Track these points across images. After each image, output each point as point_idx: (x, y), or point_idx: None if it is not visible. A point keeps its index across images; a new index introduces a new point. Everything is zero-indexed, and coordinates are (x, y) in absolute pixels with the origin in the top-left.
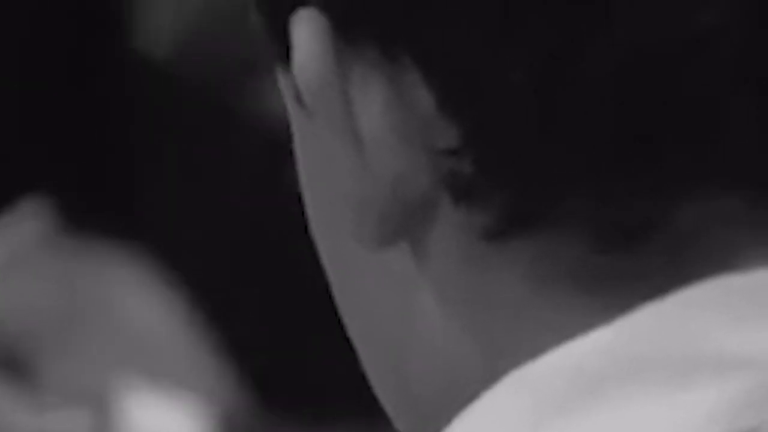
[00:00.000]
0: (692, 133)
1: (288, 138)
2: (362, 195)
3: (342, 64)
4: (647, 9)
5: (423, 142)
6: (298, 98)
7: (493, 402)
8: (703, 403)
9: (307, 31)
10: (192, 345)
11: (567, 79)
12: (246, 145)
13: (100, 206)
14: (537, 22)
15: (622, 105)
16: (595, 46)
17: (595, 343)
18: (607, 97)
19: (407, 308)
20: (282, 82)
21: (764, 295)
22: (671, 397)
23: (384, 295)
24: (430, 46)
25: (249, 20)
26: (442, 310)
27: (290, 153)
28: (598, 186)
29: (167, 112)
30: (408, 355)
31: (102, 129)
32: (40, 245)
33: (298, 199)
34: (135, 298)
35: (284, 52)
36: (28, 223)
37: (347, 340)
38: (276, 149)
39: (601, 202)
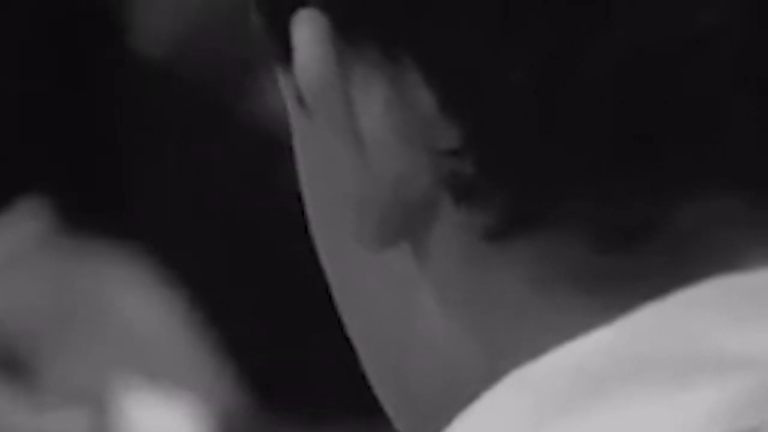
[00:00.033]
0: (692, 133)
1: (285, 137)
2: (363, 195)
3: (343, 64)
4: (647, 9)
5: (424, 142)
6: (299, 99)
7: (493, 402)
8: (704, 403)
9: (307, 32)
10: (190, 344)
11: (567, 79)
12: (244, 144)
13: (98, 206)
14: (537, 22)
15: (622, 105)
16: (595, 46)
17: (596, 343)
18: (607, 97)
19: (408, 308)
20: (282, 82)
21: (764, 295)
22: (672, 397)
23: (384, 295)
24: (431, 47)
25: (246, 19)
26: (443, 311)
27: (287, 152)
28: (598, 186)
29: (165, 112)
30: (408, 355)
31: (100, 129)
32: (38, 245)
33: (296, 198)
34: (133, 297)
35: (285, 53)
36: (26, 223)
37: (347, 340)
38: (273, 148)
39: (601, 202)
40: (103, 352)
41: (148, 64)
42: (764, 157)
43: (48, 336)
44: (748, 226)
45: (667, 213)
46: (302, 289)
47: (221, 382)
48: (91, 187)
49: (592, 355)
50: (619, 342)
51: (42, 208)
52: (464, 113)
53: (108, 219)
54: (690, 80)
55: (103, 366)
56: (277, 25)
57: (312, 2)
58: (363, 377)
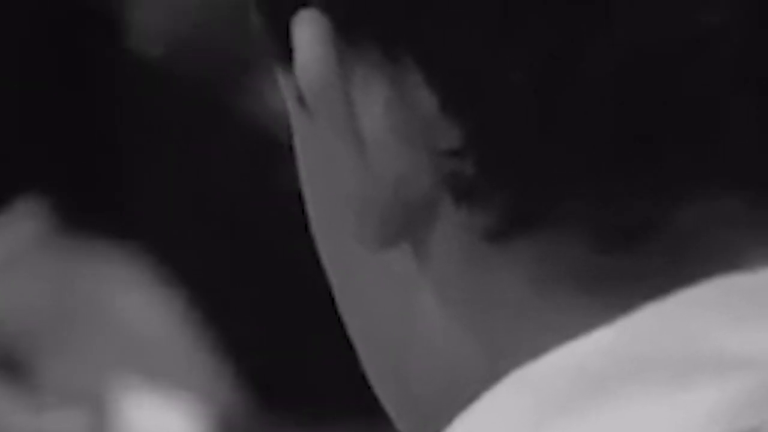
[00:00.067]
0: (692, 133)
1: (284, 136)
2: (364, 196)
3: (344, 65)
4: (647, 9)
5: (425, 142)
6: (300, 99)
7: (494, 402)
8: (704, 402)
9: (308, 33)
10: (190, 345)
11: (567, 79)
12: (243, 143)
13: (97, 206)
14: (537, 22)
15: (622, 105)
16: (595, 46)
17: (596, 343)
18: (607, 97)
19: (408, 309)
20: (283, 82)
21: (765, 295)
22: (672, 397)
23: (385, 296)
24: (431, 47)
25: (245, 19)
26: (443, 311)
27: (286, 151)
28: (598, 186)
29: (163, 111)
30: (408, 355)
31: (98, 128)
32: (37, 245)
33: (295, 197)
34: (133, 297)
35: (285, 53)
36: (25, 223)
37: (346, 340)
38: (272, 148)
39: (602, 203)
40: (101, 352)
41: (147, 64)
42: (764, 157)
43: (47, 336)
44: (748, 226)
45: (667, 213)
46: (302, 288)
47: (220, 382)
48: (90, 186)
49: (592, 355)
50: (620, 342)
51: (41, 208)
52: (464, 113)
53: (107, 219)
54: (690, 80)
55: (102, 366)
56: (278, 25)
57: (313, 3)
58: (363, 377)
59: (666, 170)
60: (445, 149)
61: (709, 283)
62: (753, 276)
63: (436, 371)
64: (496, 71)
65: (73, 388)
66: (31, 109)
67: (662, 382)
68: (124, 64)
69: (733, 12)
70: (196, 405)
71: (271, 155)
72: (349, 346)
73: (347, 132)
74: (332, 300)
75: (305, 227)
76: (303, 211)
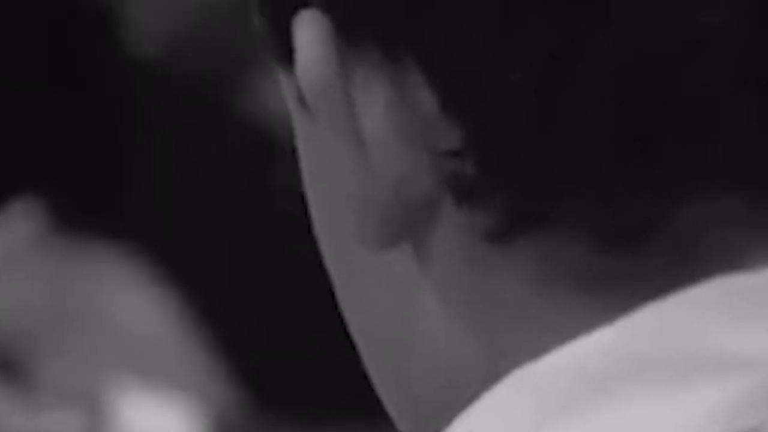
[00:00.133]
0: (692, 134)
1: (280, 136)
2: (365, 196)
3: (344, 65)
4: (647, 9)
5: (425, 143)
6: (301, 99)
7: (494, 402)
8: (704, 402)
9: (309, 33)
10: (186, 344)
11: (567, 79)
12: (238, 143)
13: (93, 206)
14: (537, 22)
15: (622, 105)
16: (595, 46)
17: (597, 343)
18: (607, 97)
19: (409, 309)
20: (284, 83)
21: (765, 295)
22: (672, 396)
23: (386, 296)
24: (431, 47)
25: (241, 18)
26: (444, 311)
27: (283, 150)
28: (598, 186)
29: (159, 111)
30: (409, 355)
31: (94, 128)
32: (32, 245)
33: (291, 197)
34: (129, 298)
35: (286, 54)
36: (21, 224)
37: (345, 339)
38: (268, 147)
39: (602, 203)
40: (98, 352)
41: (144, 64)
42: (764, 157)
43: (43, 336)
44: (749, 226)
45: (667, 213)
46: (298, 288)
47: (217, 382)
48: (87, 187)
49: (592, 355)
50: (620, 342)
51: (37, 208)
52: (465, 114)
53: (103, 219)
54: (690, 80)
55: (99, 366)
56: (279, 25)
57: (314, 3)
58: (362, 377)
59: (666, 170)
60: (446, 149)
61: (709, 283)
62: (753, 276)
63: (437, 371)
64: (496, 71)
65: (69, 388)
66: (27, 109)
67: (662, 382)
68: (121, 64)
69: (733, 12)
70: (192, 405)
71: (267, 155)
72: (348, 346)
73: (348, 132)
74: (330, 299)
75: (301, 227)
76: (299, 211)
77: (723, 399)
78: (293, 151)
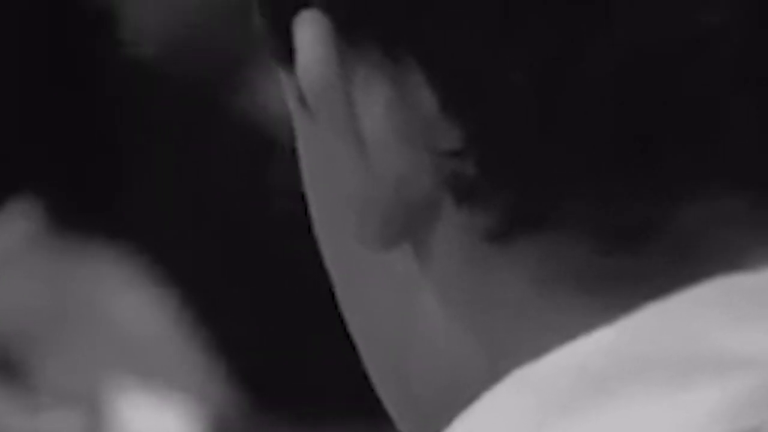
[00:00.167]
0: (692, 134)
1: (278, 135)
2: (365, 196)
3: (345, 65)
4: (647, 9)
5: (426, 143)
6: (301, 100)
7: (494, 402)
8: (705, 402)
9: (310, 33)
10: (184, 345)
11: (567, 79)
12: (236, 142)
13: (90, 206)
14: (537, 22)
15: (622, 105)
16: (595, 46)
17: (597, 343)
18: (607, 97)
19: (409, 309)
20: (284, 83)
21: (766, 295)
22: (673, 396)
23: (386, 296)
24: (432, 47)
25: (240, 17)
26: (445, 311)
27: (280, 150)
28: (599, 186)
29: (157, 111)
30: (409, 355)
31: (91, 128)
32: (31, 245)
33: (289, 196)
34: (127, 298)
35: (287, 54)
36: (18, 224)
37: (345, 340)
38: (266, 146)
39: (602, 203)
40: (96, 352)
41: (142, 63)
42: (765, 157)
43: (41, 337)
44: (749, 226)
45: (667, 213)
46: (297, 288)
47: (215, 382)
48: (85, 186)
49: (593, 355)
50: (621, 342)
51: (34, 208)
52: (465, 114)
53: (102, 219)
54: (690, 80)
55: (97, 366)
56: (280, 26)
57: (314, 3)
58: (362, 377)
59: (666, 170)
60: (446, 149)
61: (709, 283)
62: (754, 276)
63: (437, 371)
64: (496, 71)
65: (68, 388)
66: (27, 109)
67: (663, 382)
68: (121, 64)
69: (733, 12)
70: (191, 405)
71: (266, 155)
72: (348, 346)
73: (348, 132)
74: (330, 299)
75: (301, 227)
76: (299, 211)
77: (723, 399)
78: (293, 151)
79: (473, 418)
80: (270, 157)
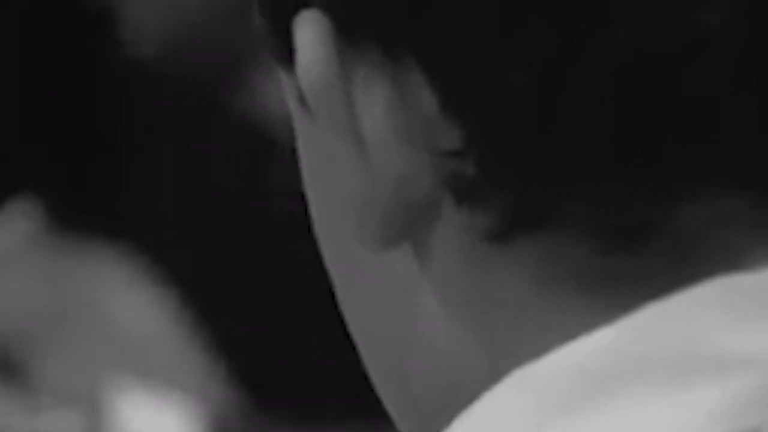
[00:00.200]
0: (692, 134)
1: (278, 135)
2: (365, 196)
3: (345, 65)
4: (647, 9)
5: (426, 143)
6: (301, 100)
7: (494, 402)
8: (705, 402)
9: (310, 33)
10: (184, 344)
11: (567, 79)
12: (236, 142)
13: (90, 206)
14: (537, 23)
15: (622, 105)
16: (595, 46)
17: (597, 342)
18: (607, 97)
19: (409, 309)
20: (284, 83)
21: (766, 295)
22: (673, 396)
23: (386, 296)
24: (432, 47)
25: (240, 17)
26: (445, 311)
27: (280, 150)
28: (599, 186)
29: (157, 111)
30: (409, 355)
31: (91, 128)
32: (31, 245)
33: (289, 196)
34: (127, 298)
35: (287, 54)
36: (18, 224)
37: (345, 340)
38: (265, 146)
39: (602, 203)
40: (96, 352)
41: (143, 63)
42: (764, 157)
43: (41, 336)
44: (749, 226)
45: (667, 213)
46: (297, 287)
47: (215, 382)
48: (85, 186)
49: (593, 355)
50: (621, 342)
51: (34, 208)
52: (465, 114)
53: (102, 219)
54: (690, 80)
55: (97, 366)
56: (280, 26)
57: (314, 3)
58: (362, 377)
59: (666, 170)
60: (446, 150)
61: (710, 283)
62: (754, 276)
63: (437, 371)
64: (496, 71)
65: (68, 388)
66: (27, 109)
67: (663, 382)
68: (121, 64)
69: (733, 12)
70: (191, 405)
71: (266, 155)
72: (348, 346)
73: (348, 132)
74: (330, 299)
75: (301, 227)
76: (299, 211)
77: (723, 399)
78: (293, 151)
79: (473, 418)
80: (270, 157)
